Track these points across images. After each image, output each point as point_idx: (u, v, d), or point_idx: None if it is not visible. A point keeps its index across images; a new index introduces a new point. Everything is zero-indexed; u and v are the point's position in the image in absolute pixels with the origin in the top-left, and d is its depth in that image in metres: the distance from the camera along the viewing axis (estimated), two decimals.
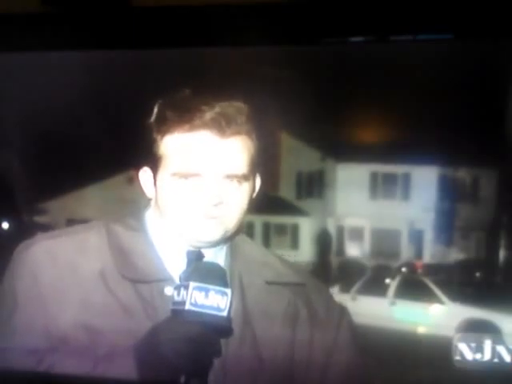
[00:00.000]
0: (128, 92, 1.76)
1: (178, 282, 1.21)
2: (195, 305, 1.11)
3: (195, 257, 1.25)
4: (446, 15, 1.35)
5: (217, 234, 1.22)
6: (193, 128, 1.19)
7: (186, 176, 1.20)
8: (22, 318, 1.22)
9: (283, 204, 2.70)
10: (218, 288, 1.13)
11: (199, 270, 1.18)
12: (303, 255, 2.68)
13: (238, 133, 1.20)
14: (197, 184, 1.20)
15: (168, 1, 1.43)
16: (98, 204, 2.25)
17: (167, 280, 1.23)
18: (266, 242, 2.84)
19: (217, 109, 1.19)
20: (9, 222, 2.14)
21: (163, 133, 1.22)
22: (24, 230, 2.12)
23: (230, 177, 1.20)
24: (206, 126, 1.18)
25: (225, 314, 1.12)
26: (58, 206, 2.41)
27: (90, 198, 2.36)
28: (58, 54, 1.56)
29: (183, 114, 1.19)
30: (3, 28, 1.48)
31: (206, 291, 1.12)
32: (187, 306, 1.11)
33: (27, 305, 1.22)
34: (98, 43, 1.49)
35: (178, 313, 1.14)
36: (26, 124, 1.87)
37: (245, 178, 1.22)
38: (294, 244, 2.74)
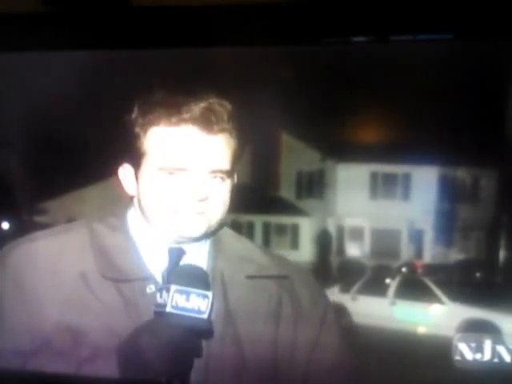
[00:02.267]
0: (128, 92, 1.76)
1: (160, 280, 1.22)
2: (176, 307, 1.13)
3: (177, 254, 1.25)
4: (446, 15, 1.35)
5: (200, 229, 1.23)
6: (180, 122, 1.19)
7: (171, 171, 1.20)
8: (8, 320, 1.23)
9: (283, 204, 2.71)
10: (199, 291, 1.14)
11: (181, 272, 1.19)
12: (303, 255, 2.69)
13: (224, 130, 1.21)
14: (182, 179, 1.20)
15: (168, 1, 1.43)
16: (97, 204, 2.25)
17: (149, 279, 1.23)
18: (266, 241, 2.84)
19: (205, 104, 1.19)
20: (9, 222, 2.15)
21: (147, 127, 1.21)
22: (24, 230, 2.12)
23: (214, 172, 1.21)
24: (194, 120, 1.18)
25: (205, 316, 1.14)
26: (58, 206, 2.41)
27: (90, 197, 2.36)
28: (57, 54, 1.56)
29: (170, 108, 1.19)
30: (3, 28, 1.48)
31: (187, 294, 1.14)
32: (168, 309, 1.13)
33: (11, 308, 1.23)
34: (98, 43, 1.49)
35: (159, 315, 1.15)
36: (25, 124, 1.87)
37: (228, 174, 1.22)
38: (294, 244, 2.74)
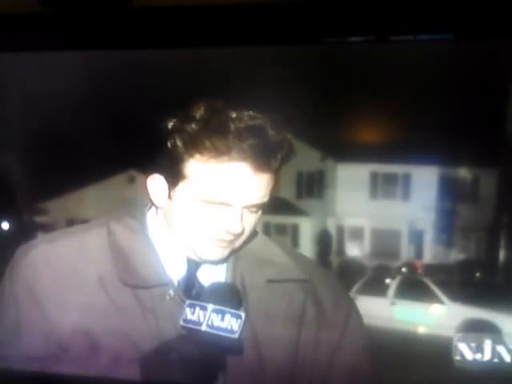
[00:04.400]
0: (128, 92, 1.76)
1: (176, 285, 1.22)
2: (212, 327, 1.13)
3: (195, 262, 1.24)
4: (446, 15, 1.35)
5: (223, 255, 1.22)
6: (230, 160, 1.14)
7: (213, 203, 1.17)
8: (24, 325, 1.21)
9: (283, 204, 2.70)
10: (233, 311, 1.14)
11: (216, 291, 1.19)
12: None
13: (274, 168, 1.18)
14: (222, 212, 1.18)
15: (168, 1, 1.43)
16: (98, 204, 2.25)
17: (167, 284, 1.22)
18: None
19: (258, 141, 1.13)
20: (9, 222, 2.14)
21: (193, 154, 1.15)
22: (24, 230, 2.12)
23: (254, 206, 1.19)
24: (245, 158, 1.13)
25: (237, 336, 1.14)
26: (58, 206, 2.41)
27: (90, 197, 2.36)
28: (58, 54, 1.55)
29: (220, 145, 1.12)
30: (3, 28, 1.48)
31: (223, 314, 1.14)
32: (204, 328, 1.13)
33: (28, 312, 1.21)
34: (98, 43, 1.49)
35: (192, 332, 1.15)
36: (26, 124, 1.87)
37: (264, 205, 1.21)
38: (294, 244, 2.74)
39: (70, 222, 2.31)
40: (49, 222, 2.31)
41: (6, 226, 2.14)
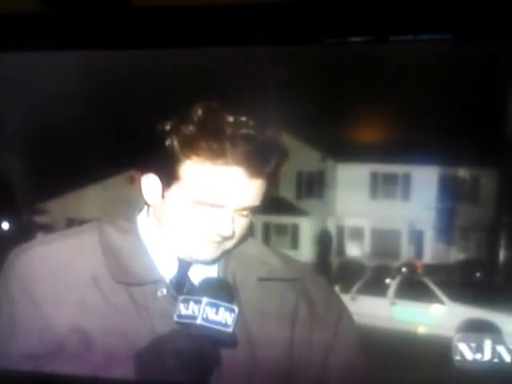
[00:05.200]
0: (128, 92, 1.76)
1: (169, 283, 1.23)
2: (207, 320, 1.14)
3: (187, 261, 1.25)
4: (446, 15, 1.35)
5: (213, 255, 1.23)
6: (226, 163, 1.15)
7: (205, 205, 1.18)
8: (19, 324, 1.22)
9: (283, 204, 2.70)
10: (227, 305, 1.15)
11: (208, 285, 1.19)
12: (303, 255, 2.68)
13: (267, 173, 1.19)
14: (214, 213, 1.19)
15: (168, 1, 1.43)
16: (97, 204, 2.25)
17: (159, 282, 1.23)
18: (267, 242, 2.83)
19: (253, 146, 1.15)
20: (9, 222, 2.14)
21: (189, 155, 1.16)
22: (24, 230, 2.12)
23: (245, 209, 1.20)
24: (239, 163, 1.15)
25: (230, 330, 1.14)
26: (58, 206, 2.41)
27: (90, 197, 2.36)
28: (58, 54, 1.56)
29: (215, 149, 1.14)
30: (3, 28, 1.48)
31: (217, 307, 1.14)
32: (199, 321, 1.13)
33: (24, 311, 1.22)
34: (98, 43, 1.49)
35: (187, 326, 1.15)
36: (26, 124, 1.87)
37: (255, 209, 1.22)
38: (294, 244, 2.74)
39: (70, 222, 2.32)
40: (49, 222, 2.31)
41: (5, 226, 2.14)
